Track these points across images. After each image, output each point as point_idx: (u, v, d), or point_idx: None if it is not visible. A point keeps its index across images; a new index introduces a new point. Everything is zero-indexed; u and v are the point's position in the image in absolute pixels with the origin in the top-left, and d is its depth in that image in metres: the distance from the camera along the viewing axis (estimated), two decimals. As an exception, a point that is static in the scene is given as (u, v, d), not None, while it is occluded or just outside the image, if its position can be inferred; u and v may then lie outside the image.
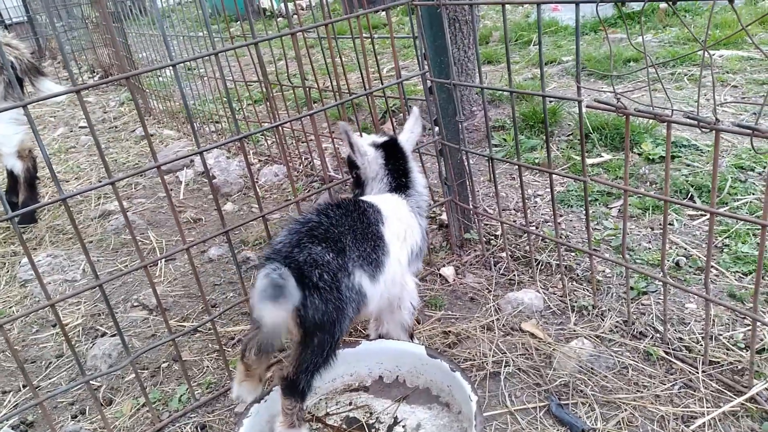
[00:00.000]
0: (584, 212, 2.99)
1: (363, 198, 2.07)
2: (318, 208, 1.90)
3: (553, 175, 2.26)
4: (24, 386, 2.54)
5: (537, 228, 2.93)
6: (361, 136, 2.32)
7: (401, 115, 4.49)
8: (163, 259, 3.37)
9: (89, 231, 3.86)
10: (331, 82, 3.30)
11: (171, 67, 1.92)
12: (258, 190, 4.05)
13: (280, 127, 3.81)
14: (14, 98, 3.51)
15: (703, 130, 1.72)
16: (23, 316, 2.95)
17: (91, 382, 2.45)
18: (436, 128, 2.68)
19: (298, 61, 2.49)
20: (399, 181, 2.15)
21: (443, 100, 2.60)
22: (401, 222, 2.03)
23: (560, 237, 2.41)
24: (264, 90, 3.98)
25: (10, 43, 3.70)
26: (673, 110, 1.77)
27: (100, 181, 4.64)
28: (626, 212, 2.07)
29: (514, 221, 3.02)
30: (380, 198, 2.09)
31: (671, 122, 1.79)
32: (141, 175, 4.59)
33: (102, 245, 3.66)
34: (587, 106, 1.98)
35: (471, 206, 2.79)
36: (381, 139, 2.20)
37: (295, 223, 1.80)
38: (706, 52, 1.65)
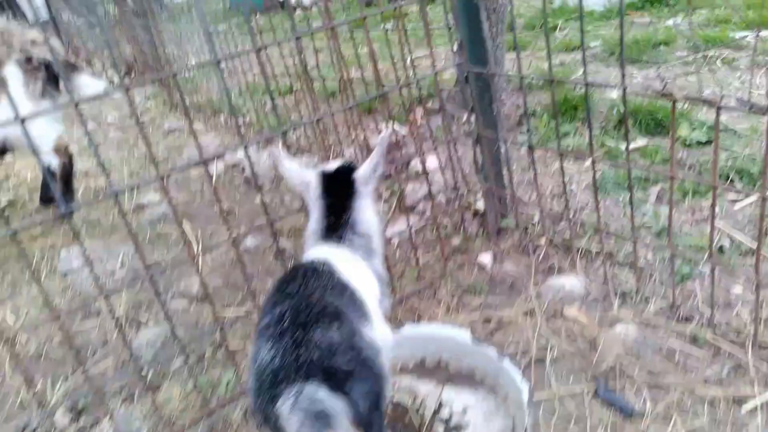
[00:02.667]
0: (621, 199, 2.98)
1: (298, 266, 1.66)
2: (270, 297, 1.55)
3: (588, 163, 2.25)
4: (72, 373, 2.61)
5: (575, 215, 2.92)
6: (387, 126, 2.28)
7: (430, 103, 4.49)
8: (201, 251, 3.42)
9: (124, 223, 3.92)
10: (367, 71, 3.31)
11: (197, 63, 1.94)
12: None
13: (318, 120, 3.84)
14: (53, 96, 3.57)
15: (755, 113, 1.70)
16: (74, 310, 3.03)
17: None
18: (472, 117, 2.68)
19: (338, 53, 2.50)
20: (331, 220, 1.79)
21: (479, 88, 2.60)
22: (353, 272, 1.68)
23: (600, 223, 2.40)
24: (300, 83, 4.01)
25: (37, 40, 3.74)
26: (722, 95, 1.76)
27: (132, 176, 4.74)
28: (672, 198, 2.06)
29: (550, 209, 3.01)
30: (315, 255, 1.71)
31: (722, 108, 1.77)
32: (173, 169, 4.65)
33: (138, 238, 3.71)
34: (633, 93, 1.96)
35: (508, 194, 2.79)
36: (330, 167, 1.88)
37: (264, 329, 1.43)
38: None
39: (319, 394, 1.27)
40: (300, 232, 3.44)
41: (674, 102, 1.88)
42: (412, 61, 3.24)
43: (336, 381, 1.30)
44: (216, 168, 4.46)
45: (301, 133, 4.66)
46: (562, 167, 2.40)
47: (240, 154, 4.38)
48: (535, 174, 2.54)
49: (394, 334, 2.19)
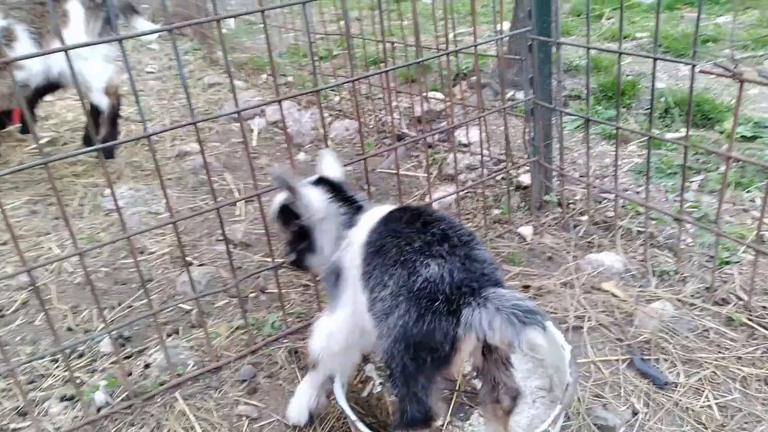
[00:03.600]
0: (663, 185, 3.02)
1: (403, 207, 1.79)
2: (399, 228, 1.62)
3: (631, 147, 2.30)
4: (119, 304, 2.71)
5: (616, 196, 2.97)
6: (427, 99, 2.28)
7: (473, 78, 4.52)
8: (243, 200, 3.51)
9: (167, 169, 4.01)
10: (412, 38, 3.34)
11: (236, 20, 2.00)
12: (329, 142, 4.15)
13: (354, 83, 3.89)
14: (111, 36, 3.63)
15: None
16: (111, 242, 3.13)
17: (181, 305, 2.63)
18: (530, 89, 2.72)
19: (381, 17, 2.56)
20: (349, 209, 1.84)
21: (541, 59, 2.64)
22: None
23: (647, 204, 2.46)
24: (341, 47, 4.04)
25: None
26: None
27: (172, 124, 4.82)
28: (726, 179, 2.10)
29: (593, 187, 3.06)
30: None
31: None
32: (214, 121, 4.73)
33: (181, 183, 3.80)
34: (701, 71, 2.00)
35: (557, 168, 2.84)
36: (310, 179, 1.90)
37: (424, 248, 1.51)
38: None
39: (517, 295, 1.36)
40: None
41: (741, 82, 1.91)
42: (455, 36, 3.27)
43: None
44: (258, 124, 4.52)
45: (341, 97, 4.72)
46: (617, 143, 2.45)
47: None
48: (588, 148, 2.59)
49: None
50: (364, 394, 2.07)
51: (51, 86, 3.87)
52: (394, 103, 4.26)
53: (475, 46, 2.54)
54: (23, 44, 3.58)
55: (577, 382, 1.83)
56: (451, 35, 5.97)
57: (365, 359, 2.19)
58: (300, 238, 1.86)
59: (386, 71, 2.78)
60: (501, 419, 1.68)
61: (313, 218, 1.81)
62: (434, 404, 1.58)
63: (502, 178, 3.23)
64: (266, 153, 4.16)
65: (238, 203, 3.50)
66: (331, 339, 1.78)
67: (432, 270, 1.45)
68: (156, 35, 6.78)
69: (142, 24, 3.86)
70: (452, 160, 3.44)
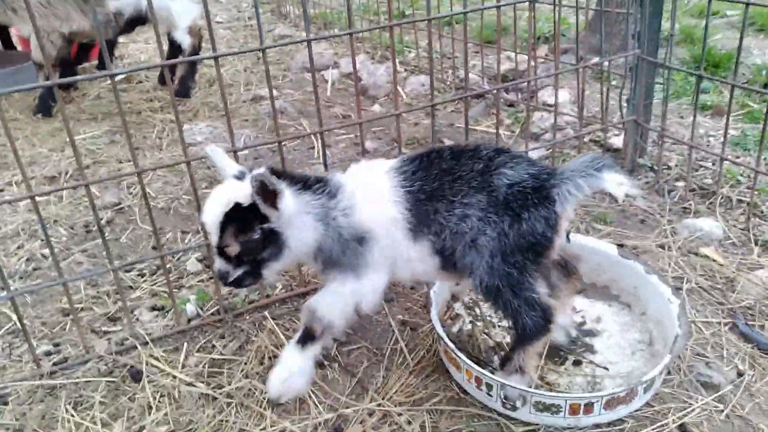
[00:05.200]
0: (765, 157, 2.89)
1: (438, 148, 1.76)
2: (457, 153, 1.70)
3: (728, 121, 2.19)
4: (200, 230, 2.73)
5: (713, 165, 2.85)
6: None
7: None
8: (321, 143, 3.49)
9: (242, 111, 4.02)
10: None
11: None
12: (403, 95, 4.10)
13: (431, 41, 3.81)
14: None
15: None
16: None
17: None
18: (635, 44, 2.62)
19: None
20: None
21: (651, 13, 2.53)
22: None
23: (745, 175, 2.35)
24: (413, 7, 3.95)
25: None
26: None
27: (245, 70, 4.83)
28: None
29: (689, 154, 2.95)
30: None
31: None
32: (287, 69, 4.73)
33: (257, 125, 3.81)
34: None
35: (658, 128, 2.73)
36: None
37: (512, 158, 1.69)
38: None
39: (580, 158, 1.64)
40: (414, 144, 3.48)
41: None
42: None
43: None
44: (332, 75, 4.49)
45: (416, 54, 4.64)
46: (729, 108, 2.34)
47: (357, 64, 4.41)
48: (696, 107, 2.48)
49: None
50: (454, 329, 2.05)
51: (140, 19, 3.90)
52: (471, 62, 4.19)
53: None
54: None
55: (687, 334, 1.76)
56: None
57: (453, 297, 2.17)
58: (260, 246, 1.61)
59: (458, 14, 2.67)
60: (574, 292, 1.90)
61: (283, 217, 1.59)
62: (547, 301, 1.65)
63: (591, 140, 3.14)
64: (340, 103, 4.13)
65: (315, 146, 3.49)
66: (365, 300, 1.70)
67: (510, 175, 1.61)
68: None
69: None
70: (537, 119, 3.36)
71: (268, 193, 1.52)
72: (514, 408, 1.66)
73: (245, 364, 1.95)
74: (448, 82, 4.20)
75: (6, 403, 1.86)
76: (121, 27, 3.87)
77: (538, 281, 1.66)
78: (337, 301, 1.70)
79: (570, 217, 1.68)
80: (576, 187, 1.58)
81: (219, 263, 1.64)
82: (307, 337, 1.75)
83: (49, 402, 1.86)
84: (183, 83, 4.22)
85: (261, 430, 1.72)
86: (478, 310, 2.10)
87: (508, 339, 1.96)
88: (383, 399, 1.79)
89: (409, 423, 1.71)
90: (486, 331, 2.01)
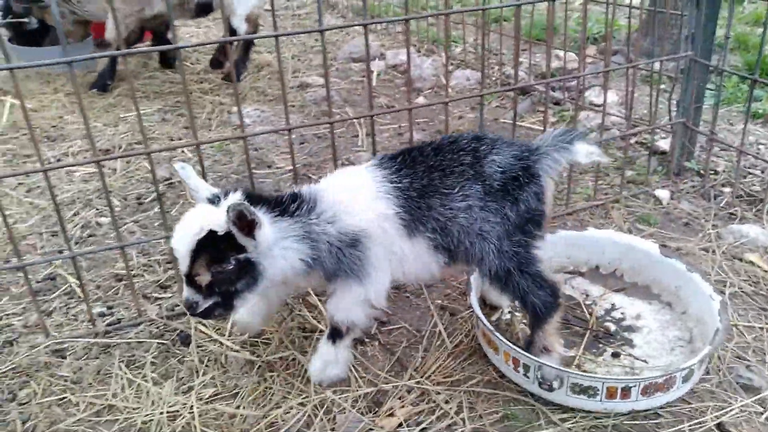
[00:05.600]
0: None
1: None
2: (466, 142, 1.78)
3: None
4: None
5: (763, 172, 2.82)
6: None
7: (603, 43, 4.36)
8: (371, 127, 3.56)
9: (289, 97, 4.10)
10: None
11: None
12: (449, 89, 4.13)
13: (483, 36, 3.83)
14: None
15: None
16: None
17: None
18: (688, 47, 2.60)
19: None
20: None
21: (707, 15, 2.52)
22: None
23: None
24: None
25: None
26: None
27: (293, 57, 4.92)
28: None
29: (737, 161, 2.92)
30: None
31: None
32: (334, 59, 4.80)
33: (303, 111, 3.89)
34: None
35: (708, 132, 2.71)
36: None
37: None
38: None
39: (552, 132, 1.80)
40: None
41: None
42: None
43: None
44: (377, 66, 4.55)
45: (463, 48, 4.66)
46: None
47: (402, 56, 4.45)
48: (749, 110, 2.46)
49: (579, 231, 2.25)
50: (493, 318, 2.08)
51: (207, 6, 4.10)
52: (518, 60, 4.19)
53: None
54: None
55: (727, 329, 1.77)
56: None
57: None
58: (233, 277, 1.53)
59: (510, 6, 2.68)
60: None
61: (261, 246, 1.53)
62: (552, 277, 1.77)
63: (637, 142, 3.14)
64: (385, 94, 4.18)
65: (359, 135, 3.55)
66: (374, 299, 1.73)
67: (498, 161, 1.70)
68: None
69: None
70: (583, 119, 3.36)
71: (245, 223, 1.46)
72: (550, 389, 1.69)
73: (287, 335, 2.02)
74: (494, 78, 4.22)
75: (64, 357, 1.97)
76: (192, 12, 4.06)
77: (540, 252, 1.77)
78: (350, 306, 1.72)
79: (552, 188, 1.81)
80: (554, 160, 1.74)
81: (187, 292, 1.55)
82: (336, 335, 1.79)
83: (103, 359, 1.96)
84: (234, 67, 4.33)
85: (303, 398, 1.79)
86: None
87: (546, 329, 1.99)
88: (421, 377, 1.84)
89: (447, 402, 1.76)
90: (524, 321, 2.04)
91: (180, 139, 3.51)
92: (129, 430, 1.72)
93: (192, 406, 1.76)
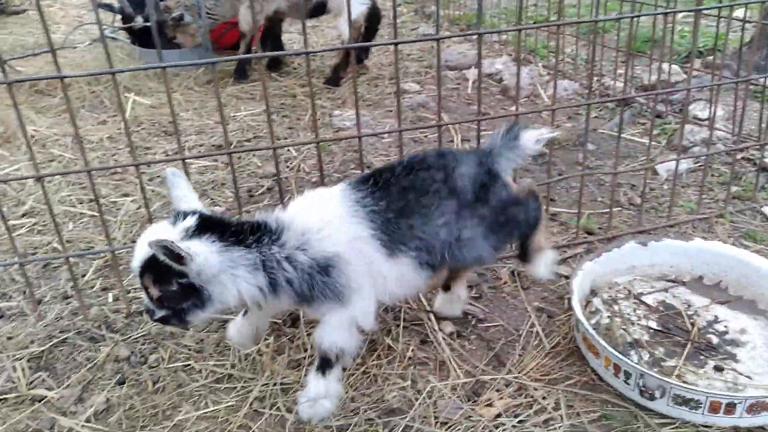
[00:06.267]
0: None
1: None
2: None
3: None
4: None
5: None
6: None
7: (709, 58, 4.24)
8: (459, 137, 3.64)
9: (387, 102, 4.26)
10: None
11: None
12: (545, 98, 4.15)
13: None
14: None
15: None
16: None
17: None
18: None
19: None
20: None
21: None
22: None
23: None
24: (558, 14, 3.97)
25: None
26: None
27: (391, 65, 5.09)
28: None
29: None
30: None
31: None
32: (430, 67, 4.93)
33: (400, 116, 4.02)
34: None
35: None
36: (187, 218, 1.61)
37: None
38: None
39: (497, 132, 1.90)
40: (556, 146, 3.52)
41: None
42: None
43: None
44: (472, 74, 4.63)
45: (562, 58, 4.67)
46: None
47: (499, 65, 4.52)
48: None
49: (678, 242, 2.23)
50: (592, 322, 2.11)
51: (322, 6, 4.47)
52: (619, 71, 4.15)
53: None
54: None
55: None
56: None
57: (593, 292, 2.22)
58: (179, 298, 1.58)
59: (613, 19, 2.69)
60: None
61: (203, 275, 1.54)
62: (525, 189, 1.95)
63: (744, 158, 3.05)
64: (482, 102, 4.25)
65: (454, 141, 3.64)
66: (361, 323, 1.74)
67: (465, 172, 1.79)
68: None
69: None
70: (687, 132, 3.30)
71: (175, 255, 1.47)
72: (651, 398, 1.71)
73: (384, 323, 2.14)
74: (593, 89, 4.19)
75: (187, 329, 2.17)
76: (310, 11, 4.45)
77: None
78: (336, 332, 1.72)
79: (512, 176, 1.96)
80: (507, 159, 1.86)
81: (146, 299, 1.64)
82: (325, 365, 1.77)
83: (222, 333, 2.14)
84: (335, 72, 4.57)
85: (404, 383, 1.89)
86: (617, 307, 2.15)
87: (646, 336, 2.00)
88: (519, 373, 1.91)
89: (544, 398, 1.81)
90: (624, 327, 2.06)
91: (286, 138, 3.73)
92: (246, 398, 1.88)
93: (301, 380, 1.91)
